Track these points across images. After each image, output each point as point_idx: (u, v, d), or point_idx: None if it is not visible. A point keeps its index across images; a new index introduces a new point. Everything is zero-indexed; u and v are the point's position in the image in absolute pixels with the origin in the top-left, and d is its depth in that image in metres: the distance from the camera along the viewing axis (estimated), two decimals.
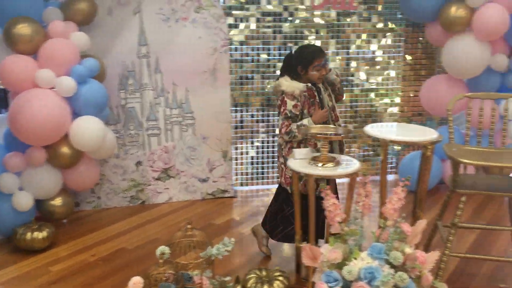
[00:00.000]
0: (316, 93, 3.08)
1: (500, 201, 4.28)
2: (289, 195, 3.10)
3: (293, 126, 3.01)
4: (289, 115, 3.01)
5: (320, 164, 2.75)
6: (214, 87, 4.27)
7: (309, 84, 3.06)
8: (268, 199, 4.50)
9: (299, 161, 2.83)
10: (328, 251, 2.38)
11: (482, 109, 3.11)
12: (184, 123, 4.29)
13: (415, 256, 2.33)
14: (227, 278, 2.51)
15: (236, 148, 4.68)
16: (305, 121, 3.01)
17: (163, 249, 2.34)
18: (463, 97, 3.13)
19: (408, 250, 2.34)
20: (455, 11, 3.94)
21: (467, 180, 2.94)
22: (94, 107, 3.60)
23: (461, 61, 4.04)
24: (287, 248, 3.45)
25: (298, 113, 3.02)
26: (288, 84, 3.03)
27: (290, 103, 3.01)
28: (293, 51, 3.16)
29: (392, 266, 2.30)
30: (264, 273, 2.72)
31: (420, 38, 4.76)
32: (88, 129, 3.52)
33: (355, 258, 2.34)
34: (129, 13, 4.03)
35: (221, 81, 4.27)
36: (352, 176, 2.73)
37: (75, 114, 3.57)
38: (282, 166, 3.14)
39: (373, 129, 2.95)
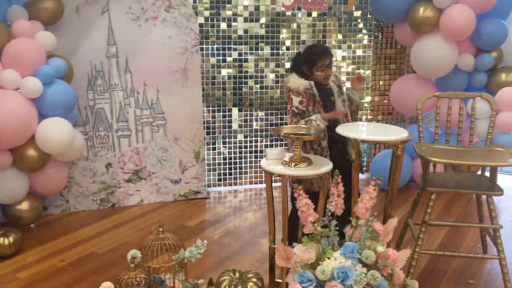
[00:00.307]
0: (315, 90, 3.06)
1: (468, 198, 4.38)
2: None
3: (302, 123, 3.00)
4: (296, 111, 3.03)
5: (292, 164, 2.75)
6: (186, 87, 4.23)
7: (312, 82, 3.07)
8: (241, 200, 4.50)
9: (272, 161, 2.83)
10: (302, 251, 2.38)
11: (450, 108, 3.17)
12: (155, 123, 4.24)
13: (387, 255, 2.36)
14: (200, 281, 2.48)
15: (209, 149, 4.65)
16: (313, 117, 3.00)
17: (134, 252, 2.30)
18: (432, 96, 3.18)
19: (380, 248, 2.37)
20: (423, 11, 4.00)
21: (437, 178, 2.99)
22: (62, 108, 3.52)
23: (429, 61, 4.11)
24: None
25: (305, 109, 3.03)
26: (294, 81, 3.07)
27: (296, 100, 3.03)
28: (301, 51, 3.19)
29: (365, 265, 2.32)
30: (237, 275, 2.71)
31: (390, 38, 4.83)
32: (55, 131, 3.43)
33: (328, 258, 2.35)
34: (97, 12, 3.95)
35: (192, 81, 4.23)
36: (325, 176, 2.74)
37: (42, 116, 3.48)
38: None
39: (344, 129, 2.96)
